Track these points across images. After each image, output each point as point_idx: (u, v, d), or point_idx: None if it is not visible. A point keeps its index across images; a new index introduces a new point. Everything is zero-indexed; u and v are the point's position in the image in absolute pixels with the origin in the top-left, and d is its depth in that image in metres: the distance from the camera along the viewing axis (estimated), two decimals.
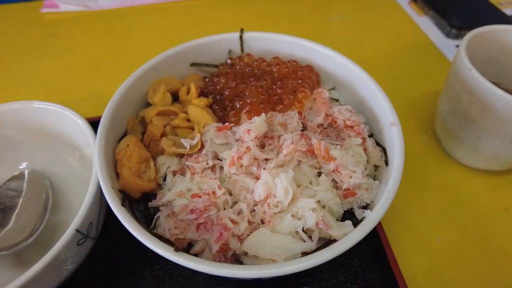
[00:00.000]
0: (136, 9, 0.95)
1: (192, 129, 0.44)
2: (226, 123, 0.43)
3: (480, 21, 0.82)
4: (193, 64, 0.53)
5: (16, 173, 0.52)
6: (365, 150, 0.41)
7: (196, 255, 0.36)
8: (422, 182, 0.57)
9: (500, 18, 0.84)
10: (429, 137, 0.63)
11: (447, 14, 0.86)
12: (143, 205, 0.41)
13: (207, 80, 0.50)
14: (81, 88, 0.73)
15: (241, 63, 0.49)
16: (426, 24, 0.88)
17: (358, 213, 0.38)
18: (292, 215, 0.36)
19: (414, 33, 0.87)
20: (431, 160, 0.60)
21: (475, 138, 0.52)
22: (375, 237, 0.46)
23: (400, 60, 0.79)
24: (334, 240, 0.34)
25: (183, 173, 0.41)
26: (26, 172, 0.52)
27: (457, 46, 0.54)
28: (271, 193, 0.36)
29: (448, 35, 0.84)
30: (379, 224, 0.47)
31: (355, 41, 0.85)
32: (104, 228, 0.45)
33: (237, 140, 0.41)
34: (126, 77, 0.47)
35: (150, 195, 0.41)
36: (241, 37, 0.52)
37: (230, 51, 0.54)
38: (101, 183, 0.37)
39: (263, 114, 0.42)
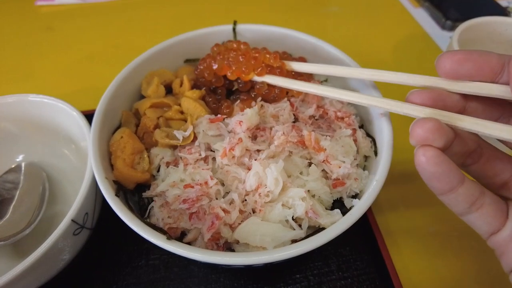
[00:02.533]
0: (131, 2, 0.94)
1: (185, 121, 0.45)
2: (219, 115, 0.43)
3: (475, 12, 0.82)
4: (187, 61, 0.53)
5: (12, 166, 0.52)
6: (355, 140, 0.42)
7: (189, 243, 0.37)
8: (415, 173, 0.57)
9: (495, 9, 0.84)
10: None
11: (443, 5, 0.86)
12: (137, 196, 0.42)
13: (196, 72, 0.50)
14: (78, 81, 0.73)
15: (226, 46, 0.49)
16: (422, 16, 0.88)
17: (347, 202, 0.39)
18: (283, 204, 0.37)
19: (410, 25, 0.87)
20: None
21: None
22: (367, 227, 0.47)
23: (395, 52, 0.80)
24: (323, 228, 0.35)
25: (176, 164, 0.42)
26: (22, 164, 0.52)
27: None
28: (262, 183, 0.37)
29: (443, 27, 0.84)
30: (371, 213, 0.48)
31: (350, 32, 0.85)
32: (100, 219, 0.46)
33: (229, 132, 0.42)
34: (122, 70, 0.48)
35: (144, 186, 0.42)
36: (234, 29, 0.53)
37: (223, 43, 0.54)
38: (96, 174, 0.38)
39: (255, 106, 0.43)
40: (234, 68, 0.45)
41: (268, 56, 0.46)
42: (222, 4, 0.93)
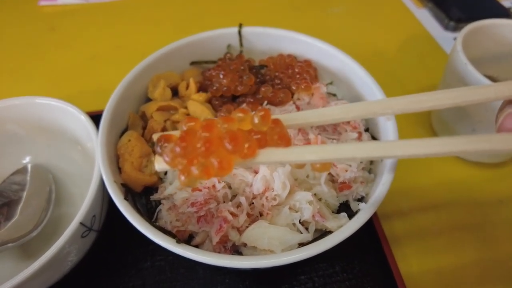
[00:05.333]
0: (135, 1, 0.94)
1: None
2: None
3: (478, 13, 0.82)
4: (193, 63, 0.53)
5: (19, 167, 0.52)
6: None
7: (197, 246, 0.37)
8: (418, 173, 0.58)
9: (499, 10, 0.84)
10: (425, 130, 0.64)
11: (446, 6, 0.86)
12: (144, 199, 0.42)
13: (206, 75, 0.50)
14: (81, 82, 0.73)
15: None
16: (425, 17, 0.88)
17: (354, 205, 0.39)
18: (290, 208, 0.37)
19: (413, 25, 0.87)
20: None
21: (470, 131, 0.53)
22: (371, 228, 0.47)
23: (398, 52, 0.80)
24: (330, 232, 0.35)
25: None
26: (29, 166, 0.52)
27: (455, 39, 0.54)
28: (269, 186, 0.37)
29: (446, 27, 0.84)
30: (375, 214, 0.48)
31: (353, 33, 0.85)
32: (106, 221, 0.46)
33: None
34: (127, 70, 0.48)
35: (151, 189, 0.43)
36: (239, 32, 0.53)
37: (229, 46, 0.54)
38: (104, 178, 0.38)
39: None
40: (197, 173, 0.26)
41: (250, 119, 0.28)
42: (229, 4, 0.93)
